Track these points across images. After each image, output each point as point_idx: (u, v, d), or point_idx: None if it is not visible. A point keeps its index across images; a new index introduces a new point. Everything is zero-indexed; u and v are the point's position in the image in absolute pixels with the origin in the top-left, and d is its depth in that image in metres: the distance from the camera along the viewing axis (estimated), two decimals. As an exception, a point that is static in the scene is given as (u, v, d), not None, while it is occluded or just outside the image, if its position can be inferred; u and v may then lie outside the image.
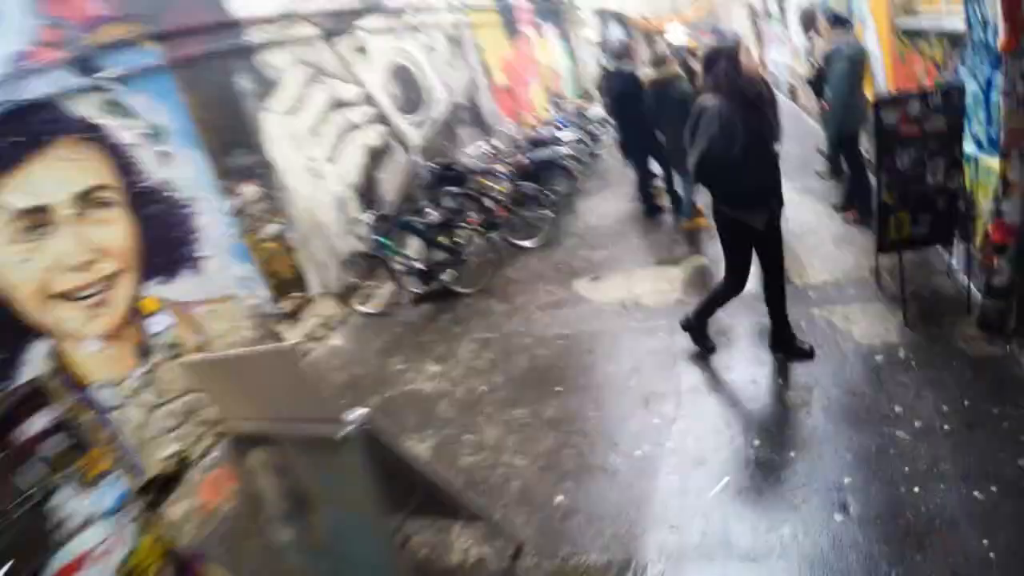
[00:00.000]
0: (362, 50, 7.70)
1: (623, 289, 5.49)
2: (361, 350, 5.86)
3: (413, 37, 8.90)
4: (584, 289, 5.74)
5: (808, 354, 3.89)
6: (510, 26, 12.93)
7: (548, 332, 5.05)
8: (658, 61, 6.07)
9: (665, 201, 7.31)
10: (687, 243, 6.26)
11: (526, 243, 7.24)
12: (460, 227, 6.64)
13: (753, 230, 3.60)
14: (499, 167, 8.05)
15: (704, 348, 4.23)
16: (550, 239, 7.23)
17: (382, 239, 6.43)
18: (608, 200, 8.55)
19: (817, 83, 6.07)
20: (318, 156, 6.65)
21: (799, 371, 3.82)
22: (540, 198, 7.42)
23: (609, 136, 11.90)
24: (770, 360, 3.98)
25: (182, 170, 5.16)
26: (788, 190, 6.02)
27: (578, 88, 16.68)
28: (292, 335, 5.97)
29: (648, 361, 4.27)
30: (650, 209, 7.40)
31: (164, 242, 4.91)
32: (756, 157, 3.44)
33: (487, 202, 7.39)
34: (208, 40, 5.76)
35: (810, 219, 5.99)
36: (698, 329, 4.22)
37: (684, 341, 4.31)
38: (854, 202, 5.73)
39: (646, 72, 6.64)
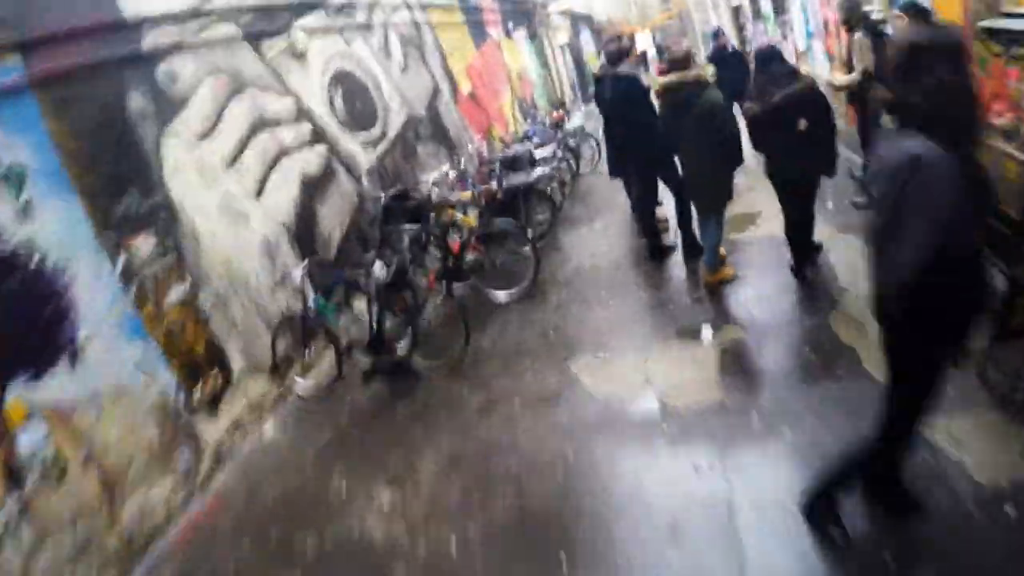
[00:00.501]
0: (299, 55, 6.36)
1: (638, 376, 4.17)
2: (298, 449, 4.56)
3: (364, 39, 7.57)
4: (585, 373, 4.40)
5: (916, 509, 2.68)
6: (476, 28, 11.65)
7: (541, 448, 3.72)
8: (678, 61, 4.70)
9: (674, 240, 6.07)
10: (712, 303, 4.91)
11: (502, 295, 5.96)
12: (418, 278, 5.38)
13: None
14: (466, 195, 6.79)
15: (835, 540, 2.60)
16: (532, 290, 5.93)
17: (320, 299, 5.10)
18: (599, 233, 7.28)
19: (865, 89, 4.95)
20: (239, 191, 5.29)
21: (909, 535, 2.60)
22: (517, 235, 6.17)
23: (592, 151, 10.73)
24: (866, 515, 2.73)
25: (50, 225, 3.87)
26: (821, 225, 4.69)
27: (553, 97, 15.47)
28: (212, 430, 4.63)
29: (691, 513, 2.94)
30: (656, 250, 6.05)
31: (29, 325, 3.67)
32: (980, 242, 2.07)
33: (453, 241, 6.11)
34: (91, 47, 4.42)
35: (861, 268, 4.76)
36: (824, 511, 2.61)
37: (739, 477, 3.09)
38: None
39: (659, 78, 5.30)
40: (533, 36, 15.41)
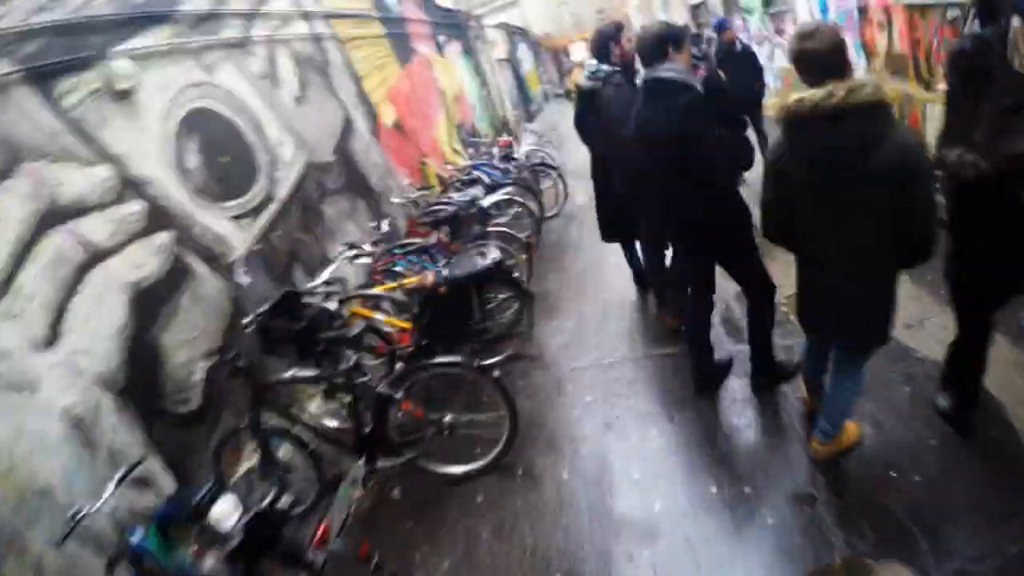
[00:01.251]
0: (121, 95, 3.99)
1: None
2: None
3: (236, 63, 5.23)
4: None
5: None
6: (401, 43, 9.43)
7: None
8: (817, 59, 2.15)
9: (727, 354, 3.85)
10: (839, 503, 2.66)
11: (457, 471, 3.71)
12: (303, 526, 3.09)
13: None
14: (388, 286, 4.56)
15: None
16: (507, 460, 3.57)
17: (151, 536, 2.69)
18: (593, 331, 4.84)
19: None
20: (15, 342, 2.90)
21: None
22: (476, 378, 3.73)
23: (555, 186, 8.61)
24: None
25: None
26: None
27: (496, 119, 13.33)
28: None
29: None
30: (708, 380, 3.73)
31: None
32: None
33: (370, 372, 3.82)
34: None
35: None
36: None
37: None
38: None
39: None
40: (468, 51, 13.27)
